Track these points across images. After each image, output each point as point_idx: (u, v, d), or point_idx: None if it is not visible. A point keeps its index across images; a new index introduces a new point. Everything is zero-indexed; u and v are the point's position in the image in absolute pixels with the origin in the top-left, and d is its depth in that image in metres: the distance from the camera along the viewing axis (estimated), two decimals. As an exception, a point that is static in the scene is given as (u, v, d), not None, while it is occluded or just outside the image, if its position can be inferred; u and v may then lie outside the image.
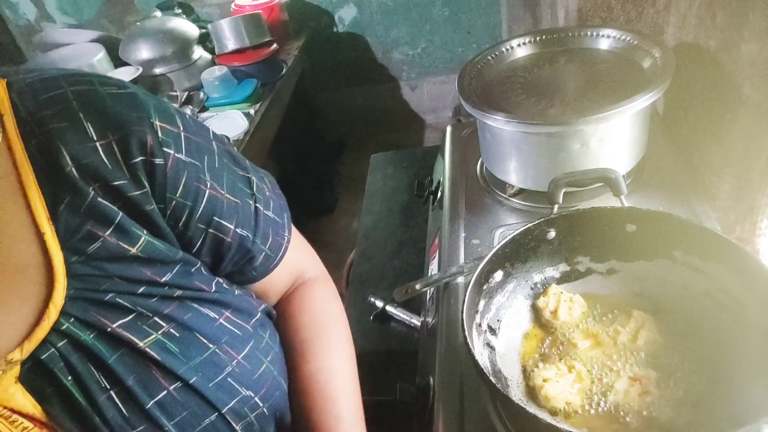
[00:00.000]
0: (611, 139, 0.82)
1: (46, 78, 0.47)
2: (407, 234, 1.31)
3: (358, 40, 2.83)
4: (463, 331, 0.59)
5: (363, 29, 2.80)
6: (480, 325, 0.67)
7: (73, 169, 0.44)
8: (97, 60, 1.97)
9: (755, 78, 0.73)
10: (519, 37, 1.01)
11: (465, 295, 0.63)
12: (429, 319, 0.90)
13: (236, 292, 0.58)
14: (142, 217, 0.48)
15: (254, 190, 0.58)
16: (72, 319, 0.46)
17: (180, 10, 2.44)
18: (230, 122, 1.85)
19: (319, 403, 0.61)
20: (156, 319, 0.49)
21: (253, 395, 0.54)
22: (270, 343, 0.60)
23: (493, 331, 0.69)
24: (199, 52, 2.12)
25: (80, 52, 2.04)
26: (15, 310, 0.44)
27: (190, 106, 1.92)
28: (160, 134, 0.48)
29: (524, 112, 0.85)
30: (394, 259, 1.24)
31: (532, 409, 0.55)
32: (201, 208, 0.52)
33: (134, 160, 0.47)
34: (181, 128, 0.51)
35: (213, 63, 2.13)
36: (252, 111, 1.92)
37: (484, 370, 0.55)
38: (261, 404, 0.55)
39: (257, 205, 0.57)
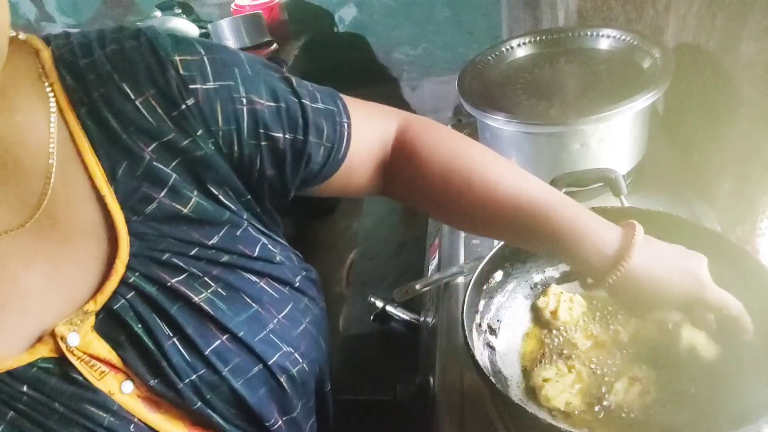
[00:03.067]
0: (611, 139, 0.82)
1: (83, 43, 0.49)
2: (407, 234, 1.31)
3: (359, 40, 2.82)
4: (463, 331, 0.59)
5: (363, 29, 2.80)
6: (480, 325, 0.67)
7: (125, 135, 0.48)
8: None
9: (755, 79, 0.73)
10: (519, 37, 1.01)
11: (465, 295, 0.63)
12: (429, 319, 0.90)
13: (277, 258, 0.59)
14: (197, 167, 0.51)
15: (294, 86, 0.56)
16: (137, 273, 0.50)
17: (180, 10, 2.43)
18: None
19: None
20: (206, 278, 0.52)
21: (293, 351, 0.57)
22: (309, 306, 0.61)
23: (493, 331, 0.69)
24: (199, 52, 2.12)
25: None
26: (86, 266, 0.49)
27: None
28: (182, 70, 0.49)
29: (524, 112, 0.85)
30: (395, 259, 1.24)
31: (532, 409, 0.55)
32: (245, 126, 0.52)
33: (173, 112, 0.49)
34: (203, 52, 0.51)
35: (213, 63, 2.13)
36: (252, 111, 1.92)
37: (484, 370, 0.56)
38: (301, 360, 0.58)
39: (303, 100, 0.56)
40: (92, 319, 0.49)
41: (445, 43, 2.83)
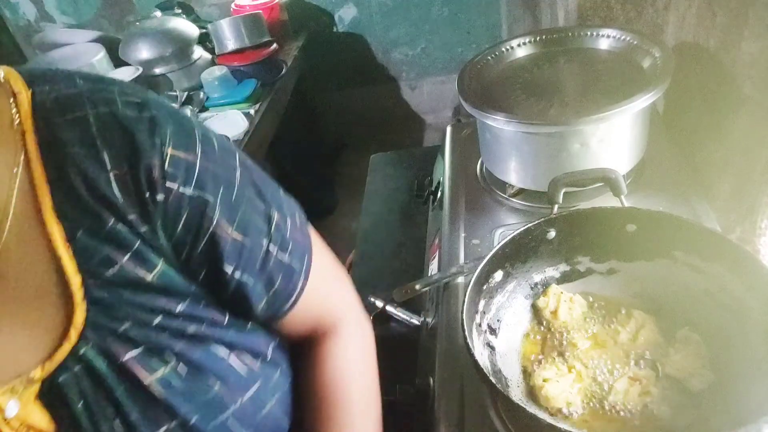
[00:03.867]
0: (611, 139, 0.81)
1: (71, 95, 0.45)
2: (407, 235, 1.30)
3: (358, 40, 2.83)
4: (463, 331, 0.59)
5: (363, 29, 2.80)
6: (480, 325, 0.67)
7: (91, 200, 0.44)
8: (97, 60, 1.97)
9: (755, 77, 0.73)
10: (519, 37, 1.00)
11: (465, 295, 0.63)
12: (429, 319, 0.90)
13: (249, 326, 0.56)
14: (154, 249, 0.48)
15: (272, 228, 0.53)
16: (90, 344, 0.46)
17: (180, 10, 2.43)
18: (230, 122, 1.85)
19: None
20: (165, 354, 0.49)
21: None
22: (280, 382, 0.58)
23: (493, 331, 0.69)
24: (199, 52, 2.12)
25: (80, 52, 2.04)
26: (37, 331, 0.45)
27: (190, 107, 1.92)
28: (167, 165, 0.46)
29: (524, 112, 0.85)
30: (394, 260, 1.24)
31: (532, 409, 0.55)
32: (201, 246, 0.49)
33: (142, 196, 0.46)
34: (199, 155, 0.48)
35: (213, 63, 2.13)
36: (252, 111, 1.92)
37: (484, 370, 0.55)
38: None
39: (271, 246, 0.53)
40: (37, 387, 0.45)
41: (443, 43, 2.83)
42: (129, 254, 0.46)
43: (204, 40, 2.20)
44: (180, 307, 0.49)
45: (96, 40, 2.17)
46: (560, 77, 0.92)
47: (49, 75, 0.47)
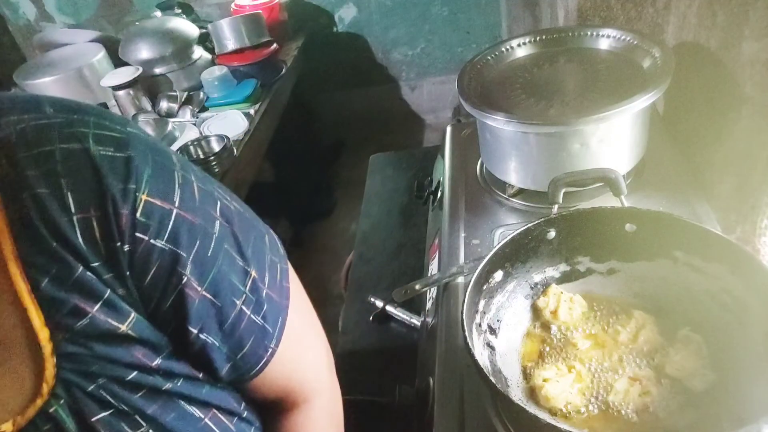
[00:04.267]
0: (611, 139, 0.81)
1: (40, 126, 0.41)
2: (406, 236, 1.30)
3: (358, 40, 2.83)
4: (463, 331, 0.59)
5: (362, 29, 2.80)
6: (480, 325, 0.67)
7: (54, 243, 0.40)
8: (97, 60, 1.97)
9: (756, 77, 0.73)
10: (519, 37, 1.00)
11: (465, 295, 0.63)
12: (429, 320, 0.90)
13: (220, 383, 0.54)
14: (123, 298, 0.44)
15: (247, 287, 0.50)
16: (62, 402, 0.43)
17: (180, 10, 2.44)
18: (230, 122, 1.85)
19: None
20: (137, 417, 0.46)
21: None
22: None
23: (493, 331, 0.69)
24: (198, 52, 2.12)
25: (80, 52, 2.04)
26: (7, 385, 0.42)
27: (190, 106, 1.92)
28: (139, 214, 0.42)
29: (524, 112, 0.85)
30: (393, 261, 1.24)
31: (532, 409, 0.55)
32: (168, 302, 0.46)
33: (111, 243, 0.42)
34: (176, 203, 0.45)
35: (213, 63, 2.13)
36: (252, 111, 1.92)
37: (484, 370, 0.55)
38: None
39: (244, 306, 0.49)
40: None
41: (443, 43, 2.83)
42: (99, 304, 0.43)
43: (204, 40, 2.21)
44: (157, 361, 0.47)
45: (96, 40, 2.17)
46: (560, 77, 0.91)
47: (20, 103, 0.42)
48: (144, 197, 0.43)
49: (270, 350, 0.53)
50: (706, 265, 0.64)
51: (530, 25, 2.09)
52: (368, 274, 1.23)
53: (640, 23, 1.09)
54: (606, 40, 0.95)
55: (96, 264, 0.42)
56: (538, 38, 1.00)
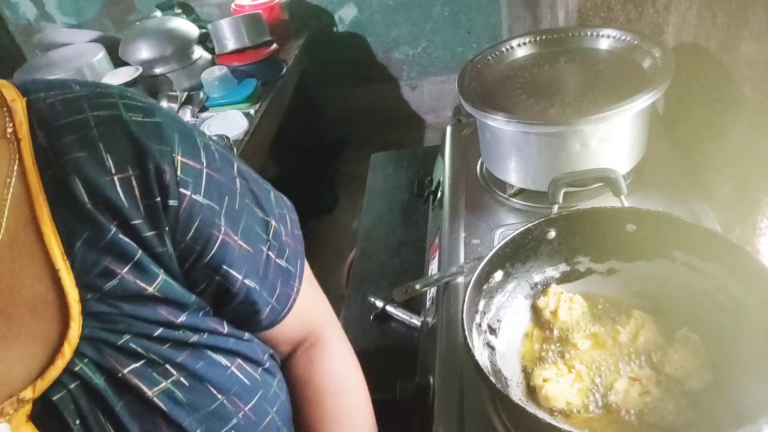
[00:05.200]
0: (611, 139, 0.82)
1: (69, 99, 0.44)
2: (407, 233, 1.31)
3: (359, 39, 2.83)
4: (463, 331, 0.59)
5: (363, 29, 2.80)
6: (480, 325, 0.67)
7: (90, 204, 0.43)
8: (97, 60, 1.97)
9: (755, 78, 0.73)
10: (519, 37, 1.01)
11: (465, 295, 0.63)
12: (429, 319, 0.90)
13: (246, 336, 0.56)
14: (157, 257, 0.47)
15: (270, 235, 0.54)
16: (86, 360, 0.44)
17: (180, 10, 2.44)
18: (230, 122, 1.85)
19: None
20: (167, 366, 0.47)
21: None
22: (277, 391, 0.58)
23: (493, 331, 0.69)
24: (199, 52, 2.12)
25: (80, 52, 2.04)
26: (27, 348, 0.43)
27: (190, 106, 1.92)
28: (179, 172, 0.46)
29: (524, 112, 0.85)
30: (394, 258, 1.24)
31: (532, 409, 0.55)
32: (211, 255, 0.49)
33: (150, 200, 0.45)
34: (204, 164, 0.48)
35: (213, 63, 2.13)
36: (252, 111, 1.92)
37: (484, 370, 0.55)
38: None
39: (270, 252, 0.54)
40: (28, 408, 0.43)
41: (444, 43, 2.83)
42: (129, 265, 0.45)
43: (204, 40, 2.21)
44: (181, 318, 0.49)
45: (96, 40, 2.17)
46: (560, 77, 0.92)
47: (44, 83, 0.45)
48: (179, 158, 0.46)
49: (295, 289, 0.58)
50: (705, 264, 0.64)
51: (531, 26, 2.10)
52: (370, 270, 1.23)
53: (641, 24, 1.10)
54: (606, 40, 0.95)
55: (137, 221, 0.45)
56: (538, 38, 1.00)
